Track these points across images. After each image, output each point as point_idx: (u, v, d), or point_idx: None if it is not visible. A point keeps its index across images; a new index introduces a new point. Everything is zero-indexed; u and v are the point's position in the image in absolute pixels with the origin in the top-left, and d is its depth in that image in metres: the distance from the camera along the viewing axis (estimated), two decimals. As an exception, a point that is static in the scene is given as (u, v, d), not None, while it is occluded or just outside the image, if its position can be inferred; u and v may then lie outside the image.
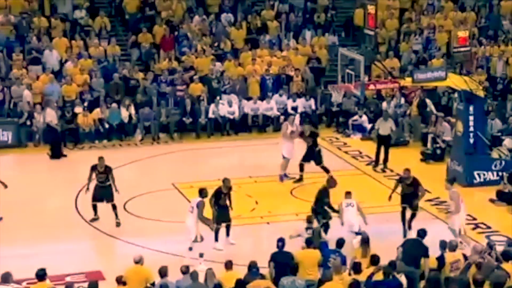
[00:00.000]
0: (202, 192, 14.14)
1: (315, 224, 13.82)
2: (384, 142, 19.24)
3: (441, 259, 11.75)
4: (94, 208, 15.63)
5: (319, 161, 17.90)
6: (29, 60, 22.54)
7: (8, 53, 22.52)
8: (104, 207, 15.84)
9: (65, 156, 19.81)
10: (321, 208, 14.61)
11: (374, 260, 11.40)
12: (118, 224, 15.41)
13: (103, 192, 15.41)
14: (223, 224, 14.59)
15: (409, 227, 15.00)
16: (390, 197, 15.33)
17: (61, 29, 23.61)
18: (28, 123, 20.93)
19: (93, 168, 15.54)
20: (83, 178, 16.90)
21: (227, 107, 22.13)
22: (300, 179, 17.93)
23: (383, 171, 19.04)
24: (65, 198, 16.72)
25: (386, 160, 19.18)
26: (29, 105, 21.18)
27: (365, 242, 12.41)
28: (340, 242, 12.37)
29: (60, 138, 20.21)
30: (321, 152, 18.04)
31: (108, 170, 15.46)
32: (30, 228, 15.36)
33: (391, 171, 18.96)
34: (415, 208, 15.13)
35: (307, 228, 13.42)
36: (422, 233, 12.40)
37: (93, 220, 15.73)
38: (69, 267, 13.67)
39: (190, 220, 14.00)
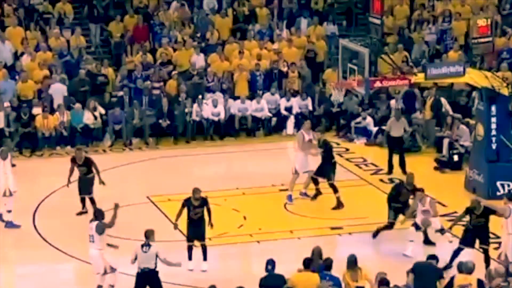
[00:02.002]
0: (98, 214, 13.96)
1: None
2: (397, 145, 19.31)
3: (449, 281, 11.94)
4: (82, 201, 16.69)
5: (329, 176, 17.52)
6: (-21, 52, 22.55)
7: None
8: (64, 226, 15.94)
9: (13, 166, 19.70)
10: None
11: (383, 283, 11.52)
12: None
13: (85, 184, 16.63)
14: (196, 243, 14.61)
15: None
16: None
17: (15, 17, 23.62)
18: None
19: (73, 160, 16.80)
20: (43, 190, 16.97)
21: (211, 107, 22.23)
22: (318, 194, 17.75)
23: (395, 178, 19.03)
24: (22, 215, 16.72)
25: (403, 164, 19.27)
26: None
27: (352, 263, 12.46)
28: (328, 264, 12.39)
29: (5, 145, 19.92)
30: (335, 165, 17.77)
31: (88, 162, 16.69)
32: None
33: (391, 180, 19.01)
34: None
35: None
36: (433, 257, 12.71)
37: (81, 213, 16.60)
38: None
39: (93, 251, 13.78)
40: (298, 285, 11.96)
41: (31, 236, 16.21)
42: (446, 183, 18.93)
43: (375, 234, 15.81)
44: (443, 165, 20.11)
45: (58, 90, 21.96)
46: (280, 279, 12.15)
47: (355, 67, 18.16)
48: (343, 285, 12.22)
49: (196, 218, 14.62)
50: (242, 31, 24.73)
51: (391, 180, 19.05)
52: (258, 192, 18.31)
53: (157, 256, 12.89)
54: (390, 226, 15.69)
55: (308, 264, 12.35)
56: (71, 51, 23.19)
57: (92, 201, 16.62)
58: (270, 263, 12.43)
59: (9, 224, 16.40)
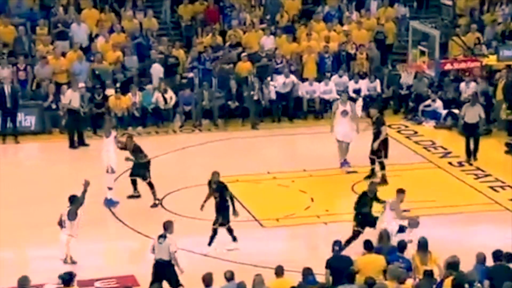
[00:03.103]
0: (73, 199, 13.93)
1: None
2: (472, 131, 18.90)
3: None
4: (134, 183, 16.52)
5: (380, 154, 17.51)
6: (55, 34, 22.87)
7: (32, 27, 22.88)
8: (138, 207, 16.09)
9: (86, 145, 19.94)
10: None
11: (451, 266, 11.29)
12: (155, 205, 16.03)
13: (139, 169, 16.38)
14: (218, 226, 14.38)
15: None
16: None
17: (90, 0, 23.88)
18: (54, 106, 21.24)
19: (124, 145, 16.64)
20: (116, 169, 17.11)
21: (281, 89, 22.06)
22: (372, 175, 17.66)
23: (470, 164, 18.65)
24: (93, 193, 16.93)
25: (475, 151, 18.85)
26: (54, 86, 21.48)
27: (423, 247, 12.27)
28: (402, 245, 12.27)
29: (80, 125, 20.23)
30: (387, 144, 17.82)
31: (137, 150, 16.41)
32: (53, 226, 15.62)
33: (471, 165, 18.71)
34: None
35: None
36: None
37: (132, 197, 16.52)
38: (98, 270, 13.90)
39: (62, 236, 13.85)
40: (364, 268, 11.82)
41: (102, 212, 16.36)
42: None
43: (344, 246, 13.35)
44: (514, 149, 19.63)
45: (156, 70, 22.11)
46: (347, 260, 12.03)
47: (426, 49, 17.87)
48: (413, 267, 12.04)
49: (216, 202, 14.46)
50: (310, 13, 24.52)
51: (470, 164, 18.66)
52: (325, 174, 18.17)
53: (169, 248, 12.64)
54: (356, 235, 14.43)
55: (369, 246, 12.19)
56: (143, 33, 23.34)
57: (151, 186, 16.32)
58: (337, 244, 12.33)
59: (108, 202, 16.42)
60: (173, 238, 12.79)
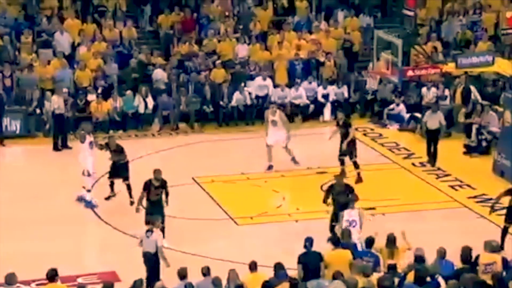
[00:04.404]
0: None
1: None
2: (433, 136, 18.95)
3: (475, 260, 11.62)
4: (111, 185, 16.30)
5: (351, 155, 17.65)
6: (39, 43, 22.65)
7: (17, 36, 22.64)
8: (116, 202, 15.96)
9: (69, 148, 19.71)
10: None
11: (417, 260, 11.30)
12: (131, 203, 15.87)
13: (119, 169, 16.22)
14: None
15: None
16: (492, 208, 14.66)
17: (73, 10, 23.70)
18: (38, 111, 21.02)
19: (106, 145, 16.48)
20: (96, 170, 16.98)
21: (258, 91, 22.07)
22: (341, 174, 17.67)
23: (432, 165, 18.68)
24: (75, 193, 16.79)
25: (435, 156, 18.89)
26: (39, 92, 21.27)
27: (391, 242, 12.30)
28: (370, 241, 12.28)
29: (64, 129, 20.06)
30: (355, 144, 17.87)
31: (119, 149, 16.27)
32: (37, 225, 15.48)
33: (432, 166, 18.77)
34: None
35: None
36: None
37: (109, 197, 16.36)
38: (80, 267, 13.76)
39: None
40: (332, 263, 11.79)
41: (83, 210, 16.22)
42: (475, 167, 18.60)
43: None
44: (472, 150, 19.74)
45: (160, 75, 22.02)
46: (317, 256, 11.99)
47: (389, 57, 17.89)
48: (381, 262, 12.04)
49: (155, 199, 14.43)
50: (281, 23, 24.51)
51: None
52: (296, 175, 18.14)
53: (156, 242, 12.77)
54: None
55: (338, 242, 12.16)
56: (123, 42, 23.19)
57: (128, 187, 16.20)
58: (308, 241, 12.28)
59: (87, 203, 16.31)
60: (160, 233, 12.90)
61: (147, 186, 14.50)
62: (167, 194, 14.64)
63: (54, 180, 17.12)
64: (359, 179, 17.38)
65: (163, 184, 14.57)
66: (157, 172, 14.61)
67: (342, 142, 17.64)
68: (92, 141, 16.61)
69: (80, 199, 16.45)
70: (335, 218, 14.34)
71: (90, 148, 16.46)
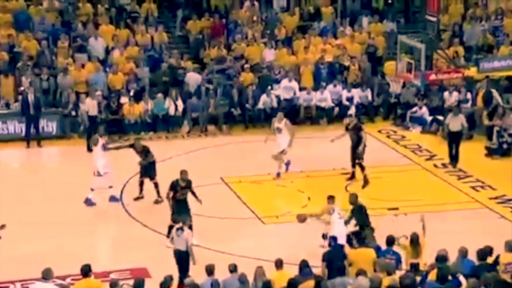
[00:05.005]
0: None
1: None
2: (455, 138, 18.81)
3: (495, 260, 11.56)
4: (141, 184, 16.48)
5: (358, 157, 17.40)
6: (75, 48, 22.89)
7: (54, 41, 22.89)
8: (147, 201, 16.10)
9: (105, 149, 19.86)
10: None
11: (439, 259, 11.27)
12: (157, 202, 16.00)
13: (146, 169, 16.35)
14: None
15: None
16: None
17: (107, 16, 23.92)
18: (73, 113, 21.24)
19: (132, 146, 16.68)
20: (127, 171, 17.16)
21: (284, 93, 22.05)
22: (353, 177, 17.66)
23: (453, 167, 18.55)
24: (108, 193, 16.93)
25: (456, 158, 18.76)
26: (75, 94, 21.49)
27: (414, 241, 12.27)
28: (391, 240, 12.25)
29: (97, 130, 20.21)
30: (364, 148, 17.58)
31: (145, 150, 16.40)
32: (72, 223, 15.64)
33: (454, 167, 18.67)
34: None
35: None
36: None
37: (137, 198, 16.45)
38: (113, 263, 13.89)
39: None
40: (356, 261, 11.79)
41: (119, 212, 16.35)
42: (496, 168, 18.47)
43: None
44: (493, 152, 19.60)
45: (193, 79, 22.17)
46: (341, 254, 11.99)
47: (412, 61, 17.83)
48: (403, 260, 12.00)
49: (181, 199, 14.51)
50: (306, 28, 24.51)
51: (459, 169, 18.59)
52: (321, 175, 18.14)
53: (186, 241, 12.84)
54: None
55: (362, 242, 12.15)
56: (155, 46, 23.34)
57: (156, 186, 16.33)
58: (333, 239, 12.28)
59: (88, 201, 16.42)
60: (190, 232, 12.99)
61: (174, 186, 14.60)
62: (194, 194, 14.72)
63: (88, 180, 17.26)
64: (366, 182, 17.25)
65: (189, 185, 14.67)
66: (183, 173, 14.70)
67: (353, 146, 17.45)
68: (104, 144, 16.80)
69: (113, 198, 16.61)
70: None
71: (103, 150, 16.67)
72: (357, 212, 14.14)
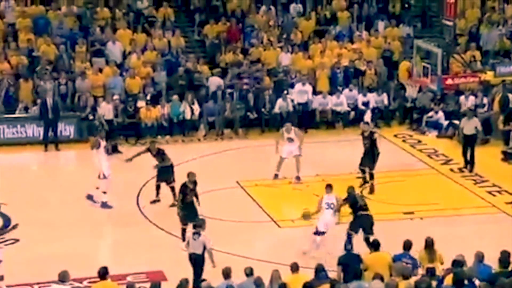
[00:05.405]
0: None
1: None
2: (470, 142, 18.71)
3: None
4: (158, 188, 16.40)
5: (371, 166, 17.26)
6: (92, 52, 22.98)
7: (72, 45, 22.99)
8: (164, 204, 16.10)
9: (119, 152, 19.86)
10: None
11: (455, 264, 11.17)
12: (173, 205, 15.87)
13: (162, 173, 16.27)
14: (190, 224, 14.06)
15: None
16: None
17: (124, 20, 23.99)
18: (91, 117, 21.31)
19: (148, 149, 16.62)
20: (144, 176, 17.17)
21: (298, 97, 21.98)
22: (365, 182, 17.56)
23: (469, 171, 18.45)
24: (125, 196, 16.98)
25: (472, 161, 18.66)
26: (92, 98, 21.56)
27: (430, 245, 12.17)
28: (408, 244, 12.17)
29: (113, 134, 20.26)
30: (378, 157, 17.41)
31: (160, 153, 16.34)
32: (89, 226, 15.67)
33: (470, 171, 18.54)
34: None
35: None
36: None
37: (154, 202, 16.39)
38: (129, 266, 13.89)
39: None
40: (372, 265, 11.72)
41: (135, 215, 16.38)
42: (512, 173, 18.33)
43: None
44: (510, 156, 19.44)
45: (215, 83, 22.24)
46: (357, 258, 11.94)
47: (428, 66, 17.74)
48: (419, 264, 11.94)
49: (190, 201, 14.46)
50: (323, 33, 24.47)
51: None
52: (337, 179, 18.02)
53: (204, 244, 12.78)
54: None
55: (378, 246, 12.09)
56: (172, 51, 23.38)
57: (173, 189, 16.22)
58: (349, 243, 12.21)
59: (104, 205, 16.47)
60: (207, 236, 12.90)
61: (183, 189, 14.59)
62: (196, 195, 14.69)
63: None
64: (371, 190, 17.17)
65: (195, 186, 14.64)
66: (191, 175, 14.68)
67: (365, 153, 17.34)
68: (106, 145, 16.84)
69: (89, 197, 16.58)
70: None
71: (106, 153, 16.71)
72: (348, 199, 14.37)
